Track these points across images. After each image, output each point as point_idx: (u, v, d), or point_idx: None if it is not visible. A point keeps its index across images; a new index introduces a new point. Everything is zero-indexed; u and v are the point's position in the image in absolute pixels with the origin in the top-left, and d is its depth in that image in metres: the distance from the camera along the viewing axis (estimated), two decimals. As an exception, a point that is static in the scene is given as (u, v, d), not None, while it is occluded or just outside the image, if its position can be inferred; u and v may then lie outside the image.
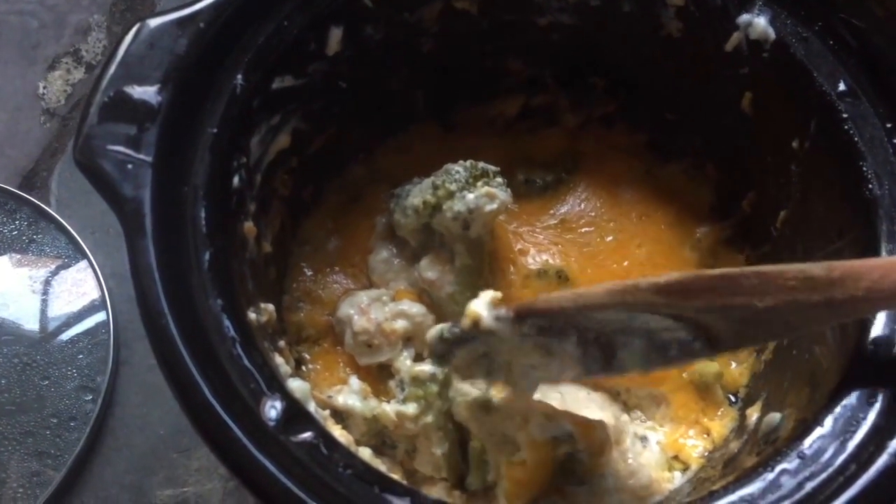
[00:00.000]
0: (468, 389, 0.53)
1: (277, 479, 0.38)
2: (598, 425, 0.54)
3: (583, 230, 0.61)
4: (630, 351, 0.45)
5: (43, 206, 0.79)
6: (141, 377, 0.75)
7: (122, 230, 0.42)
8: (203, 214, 0.44)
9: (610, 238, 0.61)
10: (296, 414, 0.41)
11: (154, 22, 0.47)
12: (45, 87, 0.87)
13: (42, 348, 0.73)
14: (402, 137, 0.65)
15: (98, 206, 0.81)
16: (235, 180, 0.48)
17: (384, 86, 0.61)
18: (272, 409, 0.40)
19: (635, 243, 0.61)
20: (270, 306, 0.51)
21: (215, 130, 0.47)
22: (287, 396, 0.41)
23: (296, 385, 0.45)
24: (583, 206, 0.62)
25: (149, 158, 0.44)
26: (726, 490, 0.41)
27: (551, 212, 0.62)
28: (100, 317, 0.75)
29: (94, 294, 0.76)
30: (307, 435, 0.40)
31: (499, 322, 0.46)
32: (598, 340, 0.46)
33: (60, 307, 0.76)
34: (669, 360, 0.45)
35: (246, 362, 0.41)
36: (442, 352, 0.49)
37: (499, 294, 0.47)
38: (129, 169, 0.43)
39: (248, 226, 0.50)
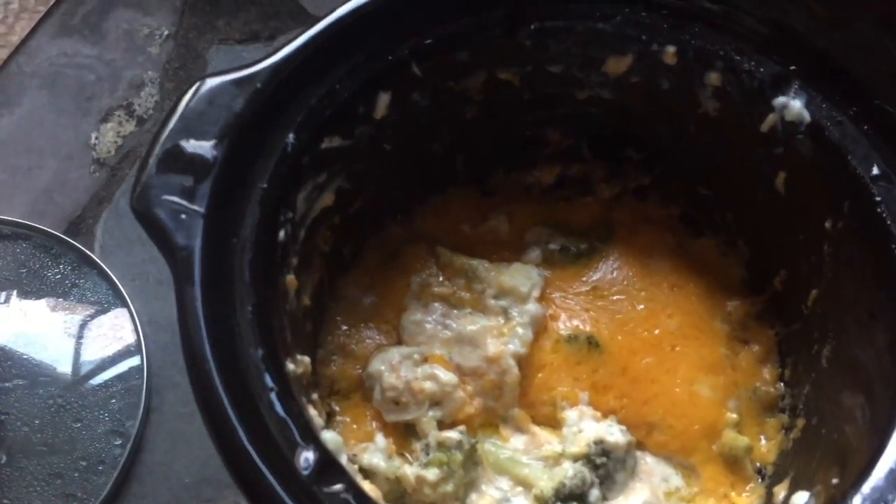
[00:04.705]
0: None
1: (308, 528, 0.39)
2: None
3: (614, 298, 0.62)
4: None
5: (87, 252, 0.81)
6: (170, 425, 0.76)
7: (172, 277, 0.44)
8: (250, 265, 0.46)
9: (641, 307, 0.62)
10: (328, 465, 0.42)
11: (213, 80, 0.50)
12: (96, 138, 0.90)
13: (76, 391, 0.75)
14: (440, 199, 0.67)
15: (139, 255, 0.84)
16: (281, 234, 0.50)
17: (426, 149, 0.63)
18: (306, 460, 0.41)
19: (666, 313, 0.62)
20: (307, 359, 0.52)
21: (265, 185, 0.49)
22: (320, 448, 0.42)
23: (329, 437, 0.46)
24: (615, 274, 0.63)
25: (202, 209, 0.45)
26: (753, 566, 0.41)
27: (584, 279, 0.63)
28: (134, 362, 0.77)
29: (130, 340, 0.78)
30: (338, 487, 0.41)
31: None
32: None
33: (97, 351, 0.77)
34: None
35: (283, 412, 0.42)
36: None
37: None
38: (182, 219, 0.45)
39: (291, 279, 0.51)
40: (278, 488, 0.39)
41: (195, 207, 0.45)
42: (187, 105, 0.49)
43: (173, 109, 0.49)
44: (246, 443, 0.40)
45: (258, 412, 0.42)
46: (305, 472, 0.41)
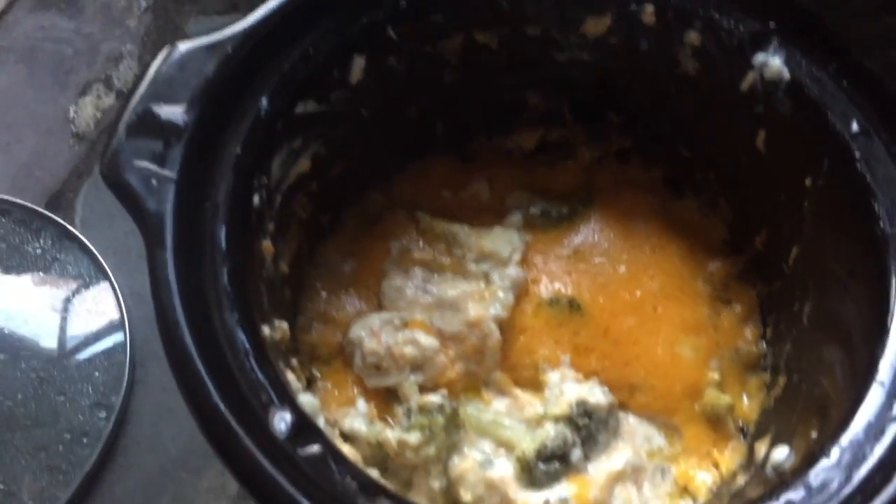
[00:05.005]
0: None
1: (284, 489, 0.39)
2: (595, 485, 0.54)
3: (596, 260, 0.62)
4: None
5: (68, 226, 0.81)
6: (155, 397, 0.76)
7: (144, 243, 0.44)
8: (223, 230, 0.45)
9: (623, 269, 0.62)
10: (305, 427, 0.42)
11: (184, 46, 0.49)
12: (75, 112, 0.89)
13: (59, 365, 0.74)
14: (420, 166, 0.67)
15: (121, 229, 0.84)
16: (256, 199, 0.49)
17: (404, 115, 0.62)
18: (282, 422, 0.41)
19: (648, 275, 0.62)
20: (284, 324, 0.52)
21: (239, 150, 0.48)
22: (297, 410, 0.42)
23: (306, 400, 0.46)
24: (596, 237, 0.63)
25: (173, 175, 0.45)
26: (731, 519, 0.41)
27: (565, 242, 0.63)
28: (117, 336, 0.77)
29: (112, 314, 0.77)
30: (315, 448, 0.41)
31: None
32: None
33: (79, 325, 0.77)
34: None
35: (258, 374, 0.42)
36: None
37: None
38: (153, 184, 0.44)
39: (266, 244, 0.51)
40: (254, 450, 0.39)
41: (166, 173, 0.45)
42: (158, 70, 0.48)
43: (143, 75, 0.48)
44: (220, 406, 0.40)
45: (232, 375, 0.42)
46: (281, 435, 0.41)
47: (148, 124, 0.46)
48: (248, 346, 0.43)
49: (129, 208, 0.44)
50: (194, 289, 0.43)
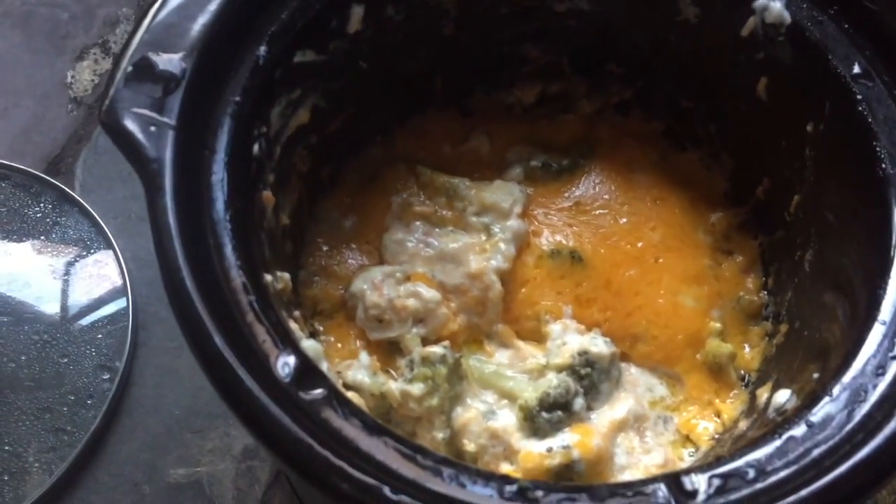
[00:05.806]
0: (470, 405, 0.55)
1: (289, 430, 0.39)
2: (597, 433, 0.54)
3: (597, 212, 0.62)
4: None
5: (68, 190, 0.81)
6: (158, 359, 0.76)
7: (144, 190, 0.43)
8: (223, 177, 0.45)
9: (624, 220, 0.62)
10: (308, 371, 0.42)
11: (181, -7, 0.48)
12: (73, 77, 0.89)
13: (62, 328, 0.74)
14: (420, 121, 0.66)
15: (120, 192, 0.83)
16: (255, 148, 0.49)
17: (403, 68, 0.62)
18: (285, 366, 0.41)
19: (649, 226, 0.61)
20: (286, 275, 0.52)
21: (238, 98, 0.48)
22: (300, 354, 0.42)
23: (308, 345, 0.45)
24: (597, 189, 0.63)
25: (171, 121, 0.45)
26: (733, 456, 0.41)
27: (566, 195, 0.63)
28: (120, 300, 0.77)
29: (115, 277, 0.77)
30: (319, 391, 0.41)
31: None
32: None
33: (81, 288, 0.77)
34: None
35: (260, 319, 0.42)
36: None
37: None
38: (151, 130, 0.44)
39: (267, 194, 0.51)
40: (258, 393, 0.39)
41: (165, 119, 0.45)
42: (154, 17, 0.48)
43: (140, 22, 0.48)
44: (223, 349, 0.40)
45: (235, 319, 0.41)
46: (285, 378, 0.41)
47: (146, 72, 0.46)
48: (249, 290, 0.43)
49: (127, 154, 0.44)
50: (195, 234, 0.43)
